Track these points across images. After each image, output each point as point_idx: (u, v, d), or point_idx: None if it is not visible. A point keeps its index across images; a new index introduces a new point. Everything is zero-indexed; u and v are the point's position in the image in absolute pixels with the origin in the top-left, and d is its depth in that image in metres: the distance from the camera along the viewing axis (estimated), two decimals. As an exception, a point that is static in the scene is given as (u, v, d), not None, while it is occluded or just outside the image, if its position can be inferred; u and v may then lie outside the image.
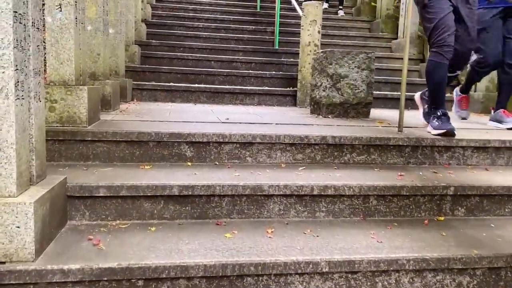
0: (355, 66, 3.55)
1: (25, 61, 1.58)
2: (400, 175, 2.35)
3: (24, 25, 1.57)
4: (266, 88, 4.93)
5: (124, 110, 3.49)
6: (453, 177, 2.38)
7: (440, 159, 2.69)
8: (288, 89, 4.99)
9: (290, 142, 2.50)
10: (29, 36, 1.61)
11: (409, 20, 2.91)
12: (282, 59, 5.84)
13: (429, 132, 2.82)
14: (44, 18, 2.62)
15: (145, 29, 5.96)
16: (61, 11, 2.28)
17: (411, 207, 2.22)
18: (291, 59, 5.87)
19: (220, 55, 5.81)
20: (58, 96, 2.29)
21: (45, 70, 2.50)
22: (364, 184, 2.14)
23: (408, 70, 6.02)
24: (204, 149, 2.44)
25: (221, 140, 2.44)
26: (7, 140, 1.50)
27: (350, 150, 2.58)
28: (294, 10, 6.66)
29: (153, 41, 5.81)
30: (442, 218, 2.22)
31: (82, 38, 2.55)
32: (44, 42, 2.98)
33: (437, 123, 2.77)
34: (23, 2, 1.55)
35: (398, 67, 6.06)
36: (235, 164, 2.44)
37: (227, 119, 3.11)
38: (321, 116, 3.62)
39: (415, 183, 2.22)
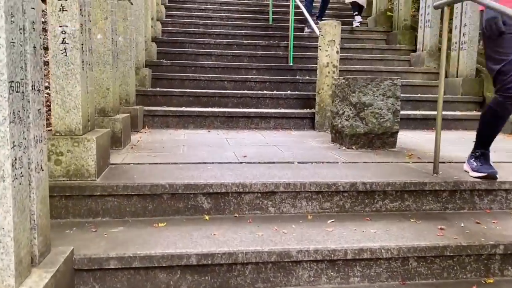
0: (380, 94, 3.32)
1: (24, 132, 1.40)
2: (441, 229, 2.12)
3: (23, 92, 1.38)
4: (282, 110, 4.72)
5: (135, 145, 3.30)
6: (499, 230, 2.14)
7: (481, 204, 2.45)
8: (305, 110, 4.77)
9: (317, 190, 2.28)
10: (29, 102, 1.43)
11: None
12: (298, 77, 5.63)
13: (467, 172, 2.58)
14: (48, 64, 2.45)
15: (156, 48, 5.80)
16: (66, 55, 2.09)
17: (455, 268, 1.99)
18: (307, 77, 5.66)
19: (233, 74, 5.62)
20: (64, 148, 2.11)
21: (49, 113, 2.33)
22: (403, 246, 1.91)
23: (430, 86, 5.78)
24: (223, 200, 2.23)
25: (241, 190, 2.23)
26: (3, 228, 1.31)
27: (382, 197, 2.35)
28: (308, 22, 6.45)
29: (164, 60, 5.64)
30: (491, 280, 1.98)
31: (90, 79, 2.37)
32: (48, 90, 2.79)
33: (475, 164, 2.53)
34: (21, 67, 1.36)
35: (418, 82, 5.81)
36: (257, 216, 2.23)
37: (245, 156, 2.91)
38: (344, 147, 3.40)
39: (459, 241, 1.99)
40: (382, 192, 2.35)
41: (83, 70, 2.18)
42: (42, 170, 1.56)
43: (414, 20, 7.14)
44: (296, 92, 5.17)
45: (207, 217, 2.19)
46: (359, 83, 3.31)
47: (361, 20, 7.78)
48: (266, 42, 6.63)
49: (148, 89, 4.84)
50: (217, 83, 5.33)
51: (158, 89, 4.99)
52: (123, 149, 3.09)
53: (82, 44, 2.16)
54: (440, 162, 2.71)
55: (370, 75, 6.00)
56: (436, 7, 2.58)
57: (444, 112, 4.88)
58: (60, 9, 2.06)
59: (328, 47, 4.30)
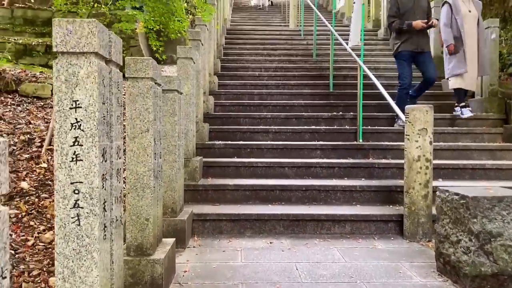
0: (513, 219, 2.39)
1: None
2: None
3: None
4: (359, 211, 3.83)
5: (180, 284, 2.55)
6: None
7: None
8: (388, 210, 3.85)
9: None
10: None
11: None
12: (371, 160, 4.77)
13: None
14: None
15: (207, 128, 5.22)
16: (79, 225, 1.40)
17: None
18: (383, 159, 4.79)
19: (294, 156, 4.88)
20: None
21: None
22: None
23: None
24: None
25: None
26: None
27: None
28: (375, 87, 5.62)
29: (217, 142, 5.02)
30: None
31: (117, 240, 1.66)
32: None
33: None
34: None
35: (522, 164, 4.74)
36: None
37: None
38: (463, 292, 2.45)
39: None
40: None
41: (104, 239, 1.48)
42: None
43: (504, 84, 6.15)
44: (373, 182, 4.29)
45: None
46: (482, 205, 2.40)
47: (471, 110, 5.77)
48: (329, 114, 5.89)
49: (199, 183, 4.16)
50: (276, 170, 4.58)
51: (209, 181, 4.31)
52: (164, 299, 2.33)
53: (104, 202, 1.48)
54: None
55: (458, 155, 5.04)
56: None
57: None
58: (72, 158, 1.40)
59: (419, 137, 3.45)
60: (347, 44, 6.30)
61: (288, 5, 11.55)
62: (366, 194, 4.15)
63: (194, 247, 3.32)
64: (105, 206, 1.49)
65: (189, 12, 9.05)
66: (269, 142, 5.08)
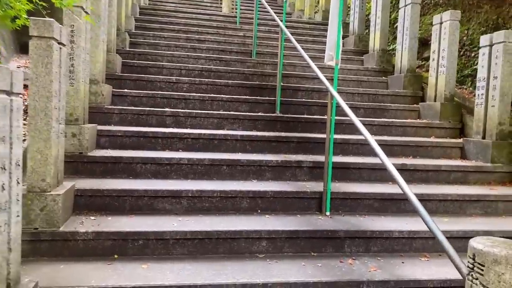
0: None
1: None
2: None
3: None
4: None
5: None
6: None
7: None
8: None
9: None
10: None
11: None
12: (351, 261, 2.80)
13: None
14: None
15: (73, 194, 2.90)
16: None
17: None
18: (368, 261, 2.86)
19: (225, 257, 2.83)
20: None
21: None
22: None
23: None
24: None
25: None
26: None
27: None
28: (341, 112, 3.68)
29: (81, 230, 2.72)
30: None
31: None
32: None
33: None
34: None
35: None
36: None
37: None
38: None
39: None
40: None
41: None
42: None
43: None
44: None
45: None
46: None
47: None
48: (278, 158, 3.85)
49: None
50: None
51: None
52: None
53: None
54: None
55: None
56: None
57: None
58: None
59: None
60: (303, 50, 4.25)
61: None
62: None
63: None
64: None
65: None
66: (179, 229, 2.88)
